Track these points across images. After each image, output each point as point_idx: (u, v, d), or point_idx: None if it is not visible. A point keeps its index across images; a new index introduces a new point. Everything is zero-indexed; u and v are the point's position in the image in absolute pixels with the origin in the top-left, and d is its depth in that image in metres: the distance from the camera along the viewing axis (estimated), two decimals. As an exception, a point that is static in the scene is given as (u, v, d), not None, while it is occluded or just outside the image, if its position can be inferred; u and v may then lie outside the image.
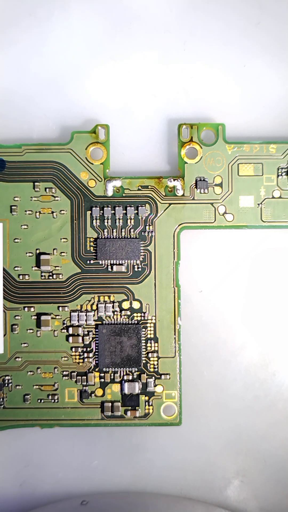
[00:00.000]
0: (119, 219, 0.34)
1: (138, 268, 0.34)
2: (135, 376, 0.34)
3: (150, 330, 0.34)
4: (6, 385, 0.34)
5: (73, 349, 0.34)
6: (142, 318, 0.34)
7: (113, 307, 0.34)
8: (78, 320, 0.34)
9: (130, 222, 0.34)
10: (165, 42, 0.35)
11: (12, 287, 0.34)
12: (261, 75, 0.35)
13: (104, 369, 0.34)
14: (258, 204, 0.34)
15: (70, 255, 0.34)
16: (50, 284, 0.34)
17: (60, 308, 0.34)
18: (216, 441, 0.35)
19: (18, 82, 0.35)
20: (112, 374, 0.34)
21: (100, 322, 0.34)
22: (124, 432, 0.35)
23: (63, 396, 0.34)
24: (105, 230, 0.34)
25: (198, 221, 0.34)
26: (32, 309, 0.34)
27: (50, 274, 0.34)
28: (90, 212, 0.34)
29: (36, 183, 0.34)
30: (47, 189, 0.34)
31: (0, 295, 0.34)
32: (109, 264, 0.34)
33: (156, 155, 0.35)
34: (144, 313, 0.34)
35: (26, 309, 0.34)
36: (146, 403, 0.34)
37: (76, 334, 0.34)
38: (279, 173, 0.34)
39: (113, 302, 0.34)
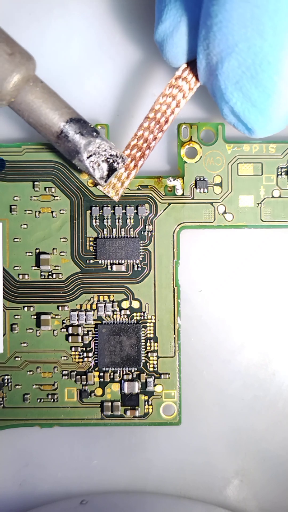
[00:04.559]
0: (119, 218, 0.34)
1: (137, 267, 0.34)
2: (134, 376, 0.34)
3: (150, 330, 0.34)
4: (6, 384, 0.34)
5: (73, 349, 0.34)
6: (142, 317, 0.34)
7: (112, 306, 0.34)
8: (77, 320, 0.34)
9: (130, 221, 0.34)
10: (165, 41, 0.35)
11: (11, 287, 0.34)
12: (260, 75, 0.35)
13: (104, 369, 0.34)
14: (258, 204, 0.34)
15: (70, 255, 0.34)
16: (50, 284, 0.34)
17: (60, 308, 0.34)
18: (215, 441, 0.35)
19: (18, 81, 0.35)
20: (112, 374, 0.34)
21: (99, 322, 0.34)
22: (123, 431, 0.35)
23: (62, 395, 0.34)
24: (105, 230, 0.34)
25: (197, 221, 0.34)
26: (31, 309, 0.34)
27: (50, 273, 0.34)
28: (89, 211, 0.34)
29: (35, 183, 0.34)
30: (47, 189, 0.34)
31: (0, 294, 0.34)
32: (108, 264, 0.34)
33: (156, 155, 0.35)
34: (144, 312, 0.34)
35: (25, 308, 0.34)
36: (146, 402, 0.34)
37: (75, 333, 0.34)
38: (279, 173, 0.34)
39: (113, 301, 0.34)
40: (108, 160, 0.30)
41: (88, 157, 0.30)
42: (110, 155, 0.30)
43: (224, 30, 0.27)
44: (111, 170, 0.31)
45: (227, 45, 0.27)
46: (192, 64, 0.31)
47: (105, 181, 0.31)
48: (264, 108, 0.28)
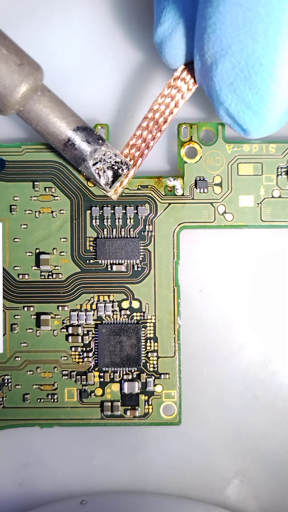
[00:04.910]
0: (119, 218, 0.34)
1: (137, 267, 0.34)
2: (134, 376, 0.34)
3: (150, 330, 0.34)
4: (6, 384, 0.34)
5: (73, 349, 0.34)
6: (142, 317, 0.34)
7: (112, 306, 0.34)
8: (77, 320, 0.34)
9: (130, 221, 0.34)
10: (165, 41, 0.35)
11: (11, 287, 0.34)
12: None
13: (104, 369, 0.34)
14: (258, 204, 0.34)
15: (70, 255, 0.34)
16: (50, 284, 0.34)
17: (60, 308, 0.34)
18: (215, 441, 0.35)
19: (18, 81, 0.35)
20: (112, 374, 0.34)
21: (99, 322, 0.34)
22: (123, 431, 0.35)
23: (62, 395, 0.34)
24: (105, 230, 0.34)
25: (197, 221, 0.34)
26: (31, 309, 0.34)
27: (50, 273, 0.34)
28: (89, 211, 0.34)
29: (35, 183, 0.34)
30: (47, 189, 0.34)
31: (0, 294, 0.34)
32: (108, 264, 0.34)
33: (156, 155, 0.35)
34: (144, 312, 0.34)
35: (25, 308, 0.34)
36: (146, 402, 0.34)
37: (75, 333, 0.34)
38: (279, 173, 0.34)
39: (113, 301, 0.34)
40: (113, 167, 0.31)
41: (93, 164, 0.31)
42: (115, 162, 0.31)
43: (218, 32, 0.27)
44: (116, 176, 0.31)
45: (221, 47, 0.27)
46: (190, 65, 0.31)
47: (110, 187, 0.32)
48: (258, 109, 0.28)
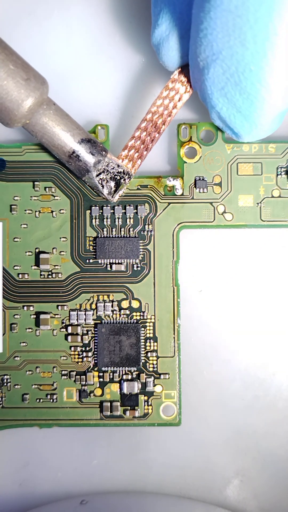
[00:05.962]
0: (118, 218, 0.34)
1: (137, 267, 0.34)
2: (134, 376, 0.34)
3: (149, 330, 0.34)
4: (5, 384, 0.34)
5: (72, 349, 0.34)
6: (141, 317, 0.34)
7: (112, 306, 0.34)
8: (77, 319, 0.34)
9: (129, 221, 0.34)
10: (165, 42, 0.35)
11: (11, 286, 0.34)
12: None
13: (103, 369, 0.34)
14: (258, 204, 0.34)
15: (70, 254, 0.34)
16: (50, 283, 0.34)
17: (59, 307, 0.34)
18: (215, 441, 0.35)
19: (18, 82, 0.35)
20: (111, 374, 0.34)
21: (99, 321, 0.34)
22: (123, 431, 0.35)
23: (61, 395, 0.34)
24: (105, 229, 0.34)
25: (197, 221, 0.34)
26: (31, 308, 0.34)
27: (50, 273, 0.34)
28: (89, 211, 0.34)
29: (36, 183, 0.34)
30: (47, 189, 0.34)
31: (0, 294, 0.34)
32: (108, 263, 0.34)
33: (156, 155, 0.35)
34: (143, 312, 0.34)
35: (25, 308, 0.34)
36: (145, 403, 0.34)
37: (75, 333, 0.34)
38: (279, 172, 0.34)
39: (112, 301, 0.34)
40: (115, 177, 0.31)
41: (97, 175, 0.31)
42: (118, 172, 0.31)
43: (209, 37, 0.28)
44: (118, 186, 0.32)
45: (212, 52, 0.28)
46: (187, 68, 0.31)
47: (113, 197, 0.32)
48: (249, 114, 0.29)
